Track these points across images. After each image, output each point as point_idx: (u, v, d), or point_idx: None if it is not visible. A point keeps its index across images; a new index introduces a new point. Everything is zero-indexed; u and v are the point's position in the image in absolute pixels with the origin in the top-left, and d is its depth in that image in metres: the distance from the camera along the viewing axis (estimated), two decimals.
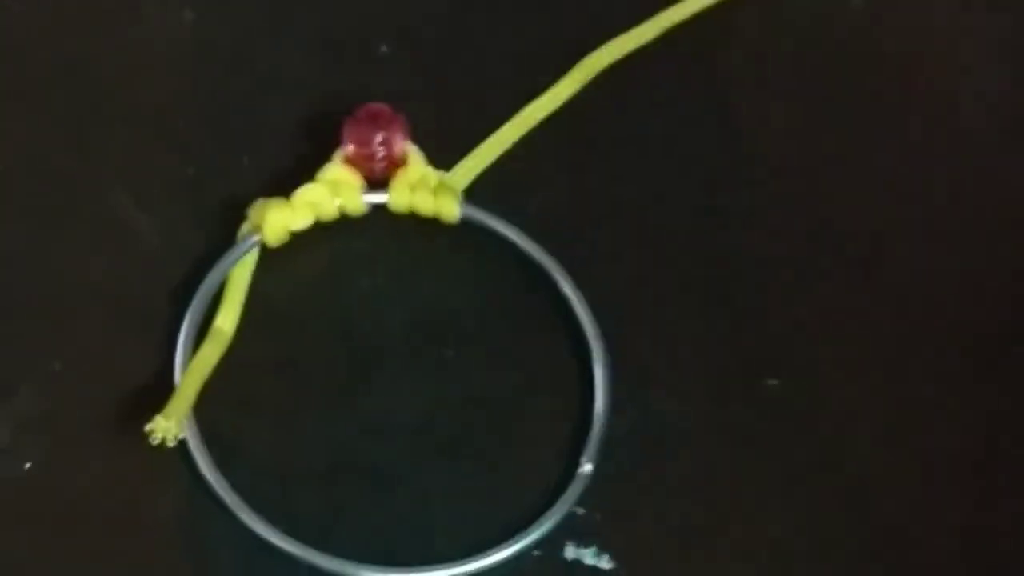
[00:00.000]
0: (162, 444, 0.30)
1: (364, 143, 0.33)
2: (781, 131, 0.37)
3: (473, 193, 0.34)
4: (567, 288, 0.33)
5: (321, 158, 0.34)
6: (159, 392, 0.31)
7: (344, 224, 0.34)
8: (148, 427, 0.30)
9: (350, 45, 0.37)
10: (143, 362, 0.32)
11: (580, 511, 0.31)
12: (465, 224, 0.34)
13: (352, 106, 0.34)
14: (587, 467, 0.32)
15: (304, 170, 0.34)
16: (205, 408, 0.32)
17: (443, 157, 0.35)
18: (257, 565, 0.31)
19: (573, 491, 0.31)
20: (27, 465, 0.31)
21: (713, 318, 0.34)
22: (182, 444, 0.31)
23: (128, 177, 0.35)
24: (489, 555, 0.31)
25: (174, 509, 0.31)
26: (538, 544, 0.31)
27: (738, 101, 0.37)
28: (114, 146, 0.35)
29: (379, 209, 0.34)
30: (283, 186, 0.34)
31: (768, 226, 0.35)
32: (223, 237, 0.34)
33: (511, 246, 0.34)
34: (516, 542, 0.31)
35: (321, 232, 0.34)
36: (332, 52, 0.37)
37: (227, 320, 0.33)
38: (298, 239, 0.34)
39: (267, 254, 0.33)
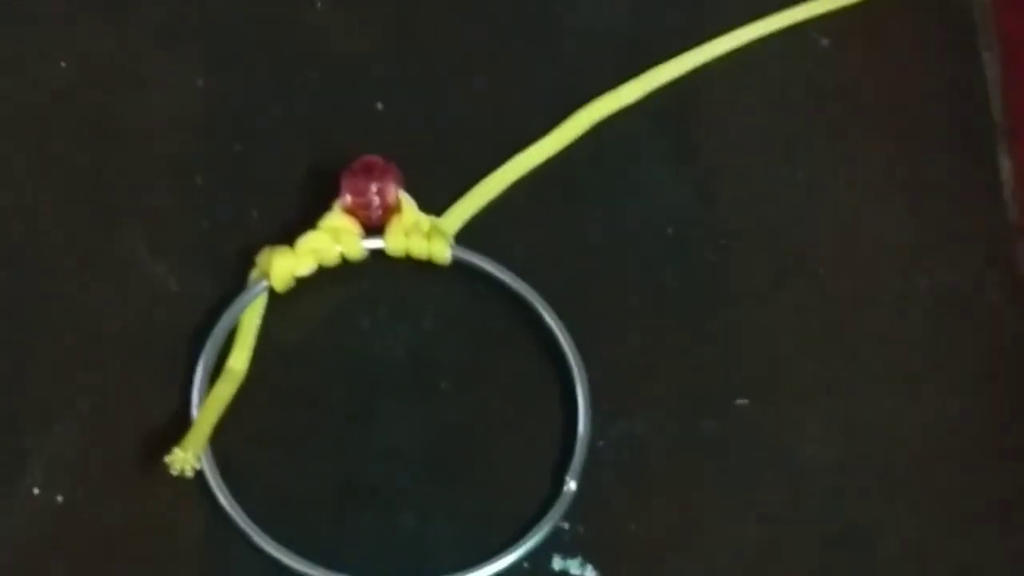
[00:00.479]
0: (181, 475, 0.33)
1: (360, 193, 0.35)
2: (752, 167, 0.39)
3: (463, 236, 0.36)
4: (550, 320, 0.35)
5: (323, 208, 0.36)
6: (179, 429, 0.34)
7: (345, 268, 0.36)
8: (167, 458, 0.33)
9: (348, 103, 0.39)
10: (163, 401, 0.35)
11: (565, 525, 0.34)
12: (456, 265, 0.36)
13: (350, 159, 0.36)
14: (571, 484, 0.34)
15: (308, 220, 0.36)
16: (221, 441, 0.34)
17: (436, 204, 0.37)
18: None
19: (559, 507, 0.34)
20: (59, 499, 0.34)
21: (686, 344, 0.36)
22: (200, 476, 0.33)
23: (147, 229, 0.37)
24: (483, 568, 0.33)
25: (195, 537, 0.34)
26: (527, 557, 0.33)
27: (710, 144, 0.39)
28: (133, 201, 0.37)
29: (377, 253, 0.36)
30: (289, 235, 0.36)
31: (738, 258, 0.37)
32: (235, 283, 0.36)
33: (499, 283, 0.36)
34: (507, 555, 0.33)
35: (324, 276, 0.36)
36: (331, 110, 0.39)
37: (239, 360, 0.35)
38: (303, 283, 0.36)
39: (275, 298, 0.36)
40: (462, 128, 0.39)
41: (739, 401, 0.35)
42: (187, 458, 0.33)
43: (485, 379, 0.36)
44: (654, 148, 0.39)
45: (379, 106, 0.39)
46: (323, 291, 0.36)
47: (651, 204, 0.38)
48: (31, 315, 0.36)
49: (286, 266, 0.35)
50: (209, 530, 0.34)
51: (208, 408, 0.34)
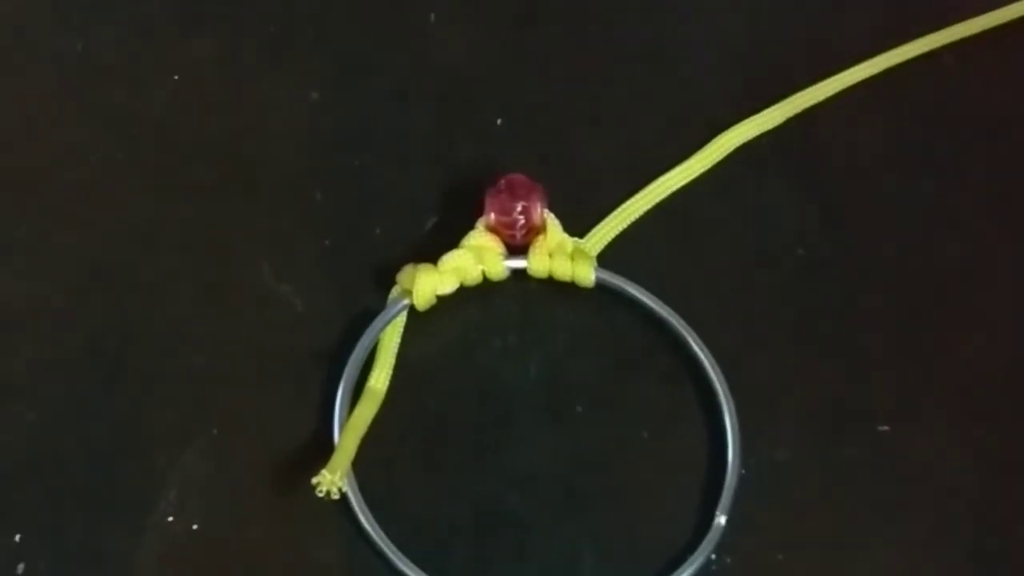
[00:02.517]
0: (326, 497, 0.32)
1: (505, 212, 0.35)
2: (879, 187, 0.38)
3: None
4: (696, 346, 0.34)
5: (448, 223, 0.36)
6: (312, 451, 0.33)
7: (483, 287, 0.35)
8: (314, 480, 0.32)
9: (466, 118, 0.39)
10: (295, 423, 0.34)
11: (712, 556, 0.33)
12: (598, 287, 0.35)
13: (469, 175, 0.36)
14: (721, 519, 0.33)
15: (430, 235, 0.36)
16: (357, 463, 0.33)
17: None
18: None
19: (709, 542, 0.33)
20: (195, 526, 0.33)
21: (823, 368, 0.36)
22: (339, 499, 0.32)
23: (269, 248, 0.36)
24: None
25: (335, 562, 0.33)
26: None
27: (836, 165, 0.39)
28: (253, 218, 0.37)
29: (516, 273, 0.35)
30: (412, 251, 0.36)
31: (880, 285, 0.37)
32: (360, 303, 0.35)
33: (641, 307, 0.35)
34: None
35: (461, 295, 0.35)
36: (449, 125, 0.39)
37: (380, 380, 0.34)
38: (440, 302, 0.35)
39: (412, 317, 0.35)
40: (581, 145, 0.39)
41: (881, 428, 0.35)
42: (334, 480, 0.32)
43: (627, 405, 0.35)
44: (782, 170, 0.39)
45: (499, 122, 0.39)
46: (460, 310, 0.35)
47: (780, 226, 0.38)
48: (157, 340, 0.35)
49: (430, 284, 0.35)
50: (350, 554, 0.33)
51: (351, 429, 0.33)
